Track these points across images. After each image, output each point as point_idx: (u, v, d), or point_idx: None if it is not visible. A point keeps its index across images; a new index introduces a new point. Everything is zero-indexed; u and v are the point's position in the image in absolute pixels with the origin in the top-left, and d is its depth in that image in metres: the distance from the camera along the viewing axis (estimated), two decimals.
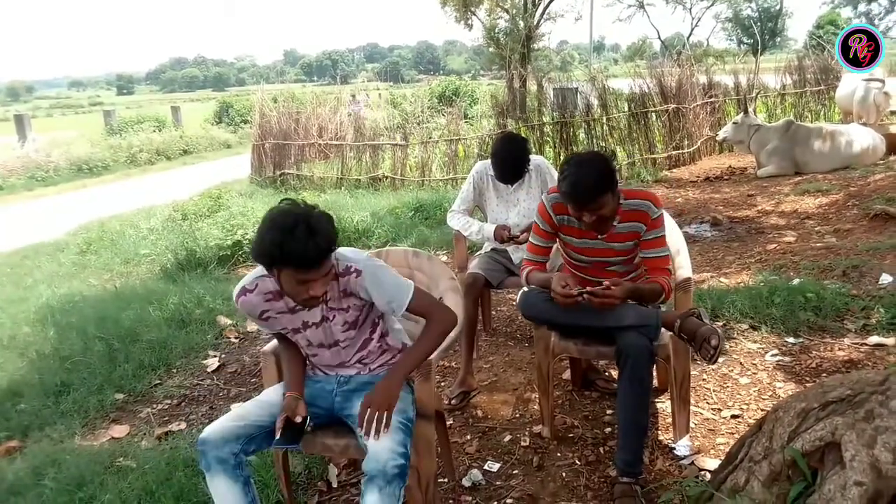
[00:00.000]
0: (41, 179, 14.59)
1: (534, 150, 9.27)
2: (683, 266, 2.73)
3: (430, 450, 2.12)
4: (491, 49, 24.42)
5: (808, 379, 3.03)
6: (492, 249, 3.56)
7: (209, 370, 3.88)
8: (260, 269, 1.99)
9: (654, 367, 2.95)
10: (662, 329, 2.47)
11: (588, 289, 2.34)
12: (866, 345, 3.26)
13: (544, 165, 3.49)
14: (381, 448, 1.87)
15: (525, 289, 2.67)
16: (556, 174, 3.46)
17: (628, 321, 2.36)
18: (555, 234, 2.61)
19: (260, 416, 2.07)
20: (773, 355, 3.28)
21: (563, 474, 2.57)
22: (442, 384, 3.44)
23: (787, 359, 3.24)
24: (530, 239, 2.68)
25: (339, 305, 2.05)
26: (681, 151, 9.72)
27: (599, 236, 2.50)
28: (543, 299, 2.52)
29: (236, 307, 2.10)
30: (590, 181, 2.28)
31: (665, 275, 2.49)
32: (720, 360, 3.25)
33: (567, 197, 2.35)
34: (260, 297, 2.03)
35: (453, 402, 3.15)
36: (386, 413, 1.92)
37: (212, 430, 1.99)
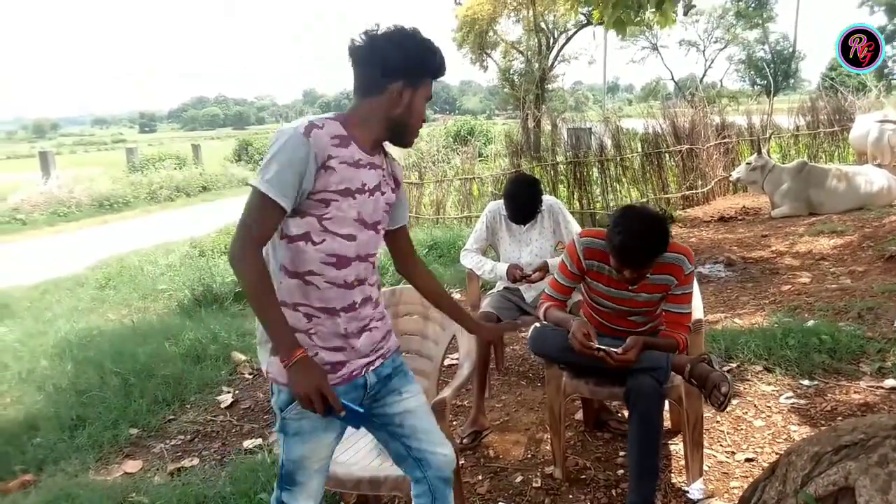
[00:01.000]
0: (63, 215, 14.87)
1: (548, 189, 9.37)
2: (695, 307, 2.74)
3: None
4: (506, 90, 24.82)
5: (822, 422, 2.99)
6: (504, 288, 3.59)
7: (223, 406, 3.91)
8: (323, 115, 1.76)
9: (668, 409, 2.95)
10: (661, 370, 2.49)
11: (607, 349, 2.33)
12: (882, 388, 3.23)
13: (557, 206, 3.54)
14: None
15: (537, 325, 2.69)
16: (568, 215, 3.50)
17: (638, 364, 2.37)
18: (581, 277, 2.60)
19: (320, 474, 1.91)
20: (787, 398, 3.26)
21: None
22: (454, 422, 3.44)
23: (801, 401, 3.21)
24: (554, 276, 2.69)
25: (387, 184, 1.83)
26: (694, 191, 9.75)
27: (630, 288, 2.49)
28: (556, 337, 2.53)
29: (292, 144, 1.64)
30: (649, 247, 2.26)
31: (684, 332, 2.49)
32: (733, 402, 3.24)
33: (617, 253, 2.30)
34: (328, 137, 1.68)
35: (465, 441, 3.14)
36: None
37: None
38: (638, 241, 2.24)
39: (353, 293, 1.78)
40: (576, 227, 3.45)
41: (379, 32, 1.72)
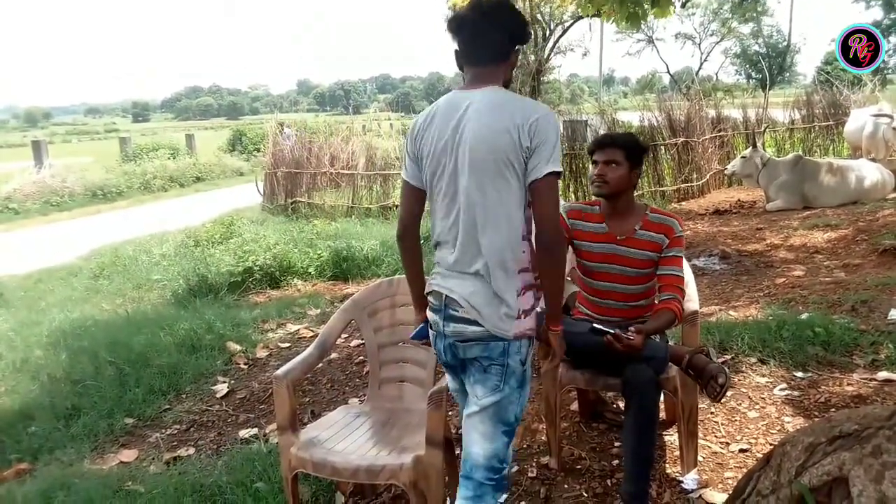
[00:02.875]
0: (56, 204, 14.79)
1: None
2: (691, 299, 2.75)
3: (439, 478, 2.13)
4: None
5: (816, 413, 3.02)
6: None
7: (218, 396, 3.91)
8: (514, 96, 1.92)
9: (662, 399, 2.96)
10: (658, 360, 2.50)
11: (614, 332, 2.32)
12: (875, 380, 3.25)
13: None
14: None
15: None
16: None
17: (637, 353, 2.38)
18: (569, 240, 2.62)
19: None
20: (781, 389, 3.28)
21: None
22: (450, 413, 3.45)
23: (795, 393, 3.23)
24: None
25: None
26: (689, 184, 9.77)
27: (618, 237, 2.54)
28: None
29: (556, 129, 1.87)
30: (612, 133, 2.64)
31: (678, 294, 2.50)
32: (728, 393, 3.26)
33: (591, 145, 2.63)
34: None
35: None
36: None
37: None
38: (610, 133, 2.64)
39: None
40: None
41: (492, 5, 1.88)
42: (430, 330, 2.01)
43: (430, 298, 1.98)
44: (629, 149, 2.53)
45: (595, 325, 2.39)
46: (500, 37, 1.90)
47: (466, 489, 1.91)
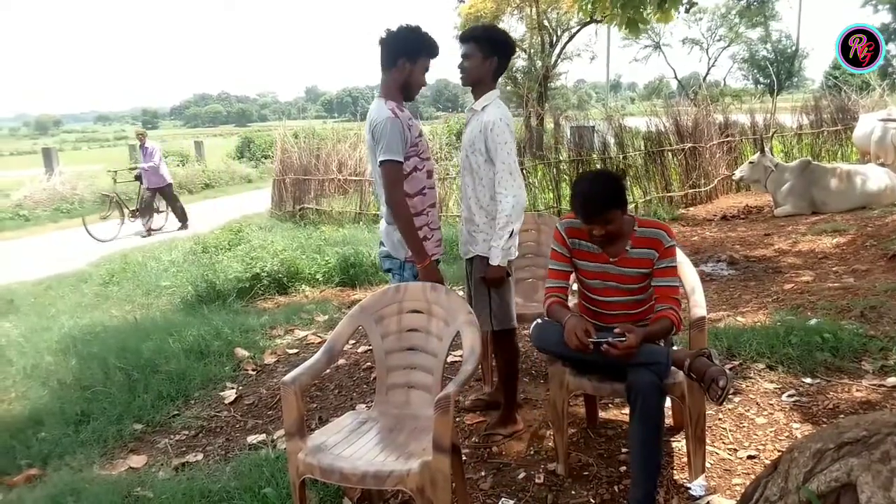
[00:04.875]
0: (66, 211, 14.90)
1: (550, 187, 9.38)
2: (698, 304, 2.75)
3: (446, 484, 2.14)
4: (509, 87, 24.80)
5: (824, 420, 3.00)
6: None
7: (226, 402, 3.92)
8: (379, 100, 2.83)
9: (670, 405, 2.95)
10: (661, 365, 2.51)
11: (609, 340, 2.36)
12: (884, 386, 3.23)
13: (497, 123, 3.02)
14: None
15: (539, 321, 2.69)
16: (501, 139, 2.96)
17: (638, 359, 2.38)
18: (570, 258, 2.68)
19: None
20: (789, 395, 3.26)
21: None
22: (457, 419, 3.45)
23: (803, 399, 3.22)
24: (549, 265, 2.74)
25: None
26: (697, 190, 9.75)
27: (611, 259, 2.57)
28: (557, 332, 2.55)
29: (394, 125, 2.72)
30: (597, 194, 2.44)
31: (674, 304, 2.51)
32: (735, 399, 3.25)
33: (577, 209, 2.49)
34: (398, 109, 2.79)
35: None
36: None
37: None
38: (589, 191, 2.46)
39: (435, 192, 3.02)
40: (502, 159, 2.94)
41: (394, 29, 2.83)
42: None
43: None
44: (614, 198, 2.46)
45: (592, 340, 2.40)
46: (386, 49, 2.81)
47: None
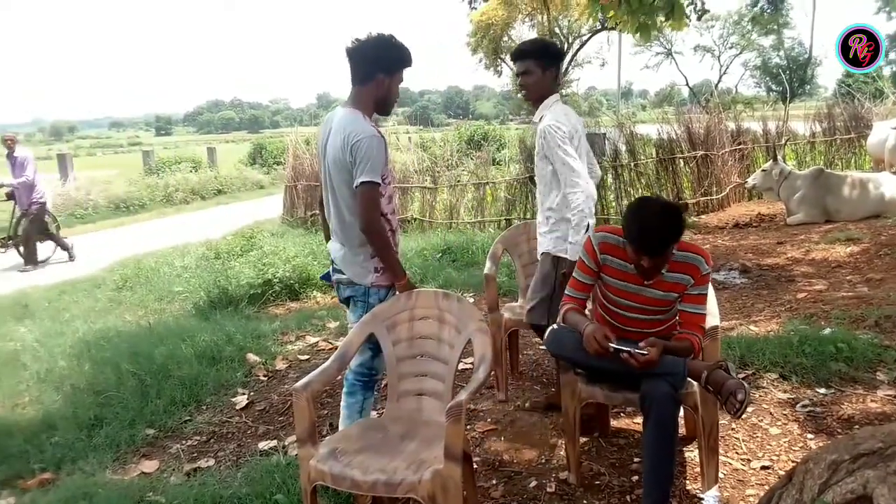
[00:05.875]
0: (80, 217, 15.03)
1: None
2: (712, 313, 2.74)
3: (457, 492, 2.13)
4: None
5: (839, 431, 2.98)
6: None
7: (238, 407, 3.94)
8: (357, 115, 2.60)
9: (682, 415, 2.94)
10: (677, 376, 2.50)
11: (631, 350, 2.33)
12: None
13: (550, 127, 3.07)
14: None
15: (554, 326, 2.68)
16: (556, 141, 3.02)
17: (656, 368, 2.37)
18: (597, 272, 2.62)
19: None
20: (803, 406, 3.24)
21: None
22: (468, 427, 3.45)
23: (818, 409, 3.19)
24: (573, 274, 2.69)
25: None
26: (709, 198, 9.71)
27: (646, 283, 2.50)
28: (573, 338, 2.53)
29: (379, 144, 2.56)
30: (664, 231, 2.29)
31: (698, 332, 2.49)
32: (749, 409, 3.23)
33: (635, 239, 2.33)
34: (376, 126, 2.64)
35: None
36: None
37: None
38: (655, 226, 2.28)
39: (396, 217, 2.80)
40: (560, 159, 3.01)
41: (365, 39, 2.60)
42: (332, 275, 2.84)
43: None
44: (676, 235, 2.34)
45: (612, 345, 2.38)
46: (361, 63, 2.61)
47: (345, 386, 2.84)
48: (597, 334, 2.39)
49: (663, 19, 6.08)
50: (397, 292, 2.74)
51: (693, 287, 2.48)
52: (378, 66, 2.61)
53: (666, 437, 2.34)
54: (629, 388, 2.52)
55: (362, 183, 2.53)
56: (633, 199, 9.49)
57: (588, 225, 2.97)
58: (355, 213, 2.61)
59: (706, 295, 2.54)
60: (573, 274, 2.70)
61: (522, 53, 3.10)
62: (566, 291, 2.71)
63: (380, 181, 2.56)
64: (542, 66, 3.07)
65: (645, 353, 2.32)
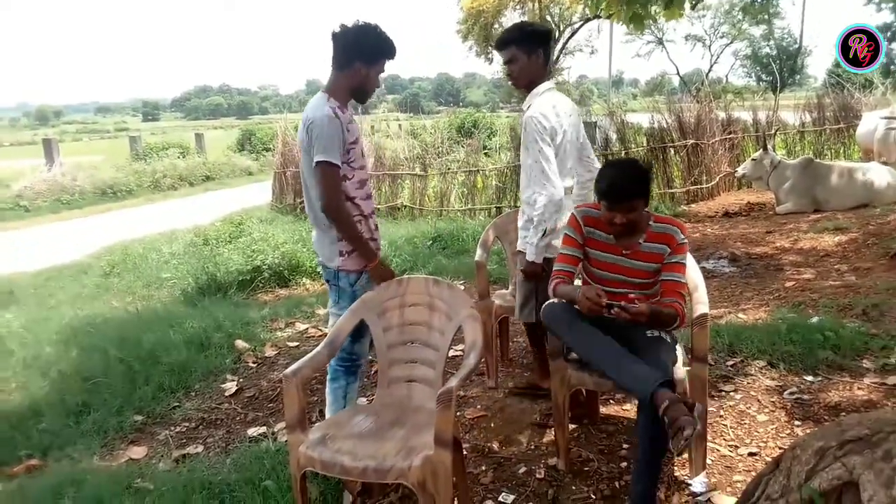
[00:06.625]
0: (66, 202, 14.89)
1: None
2: (701, 302, 2.74)
3: (447, 478, 2.14)
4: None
5: (826, 417, 3.00)
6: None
7: (227, 394, 3.92)
8: (322, 96, 2.66)
9: None
10: (679, 364, 2.52)
11: (621, 303, 2.38)
12: (886, 384, 3.23)
13: (531, 120, 2.99)
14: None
15: (549, 302, 2.67)
16: (533, 136, 2.97)
17: (644, 359, 2.38)
18: (583, 245, 2.67)
19: None
20: (791, 393, 3.26)
21: None
22: (459, 413, 3.45)
23: (805, 397, 3.22)
24: (560, 249, 2.72)
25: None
26: (699, 187, 9.74)
27: (624, 252, 2.57)
28: (566, 310, 2.55)
29: (333, 125, 2.57)
30: (625, 180, 2.43)
31: (679, 298, 2.52)
32: (737, 397, 3.25)
33: (603, 194, 2.46)
34: (339, 110, 2.62)
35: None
36: None
37: None
38: (619, 181, 2.43)
39: (371, 203, 2.82)
40: (533, 155, 2.97)
41: (350, 26, 2.63)
42: None
43: None
44: (641, 187, 2.47)
45: (605, 300, 2.40)
46: (342, 48, 2.65)
47: (328, 372, 2.87)
48: (589, 293, 2.43)
49: (658, 9, 6.05)
50: (376, 278, 2.76)
51: (671, 255, 2.55)
52: (357, 54, 2.64)
53: (658, 422, 2.33)
54: None
55: (317, 163, 2.58)
56: None
57: (545, 230, 2.96)
58: (317, 194, 2.67)
59: (685, 264, 2.59)
60: (560, 249, 2.71)
61: (504, 42, 3.03)
62: (555, 266, 2.70)
63: (336, 162, 2.58)
64: (526, 51, 3.00)
65: (635, 305, 2.36)
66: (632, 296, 2.46)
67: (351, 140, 2.65)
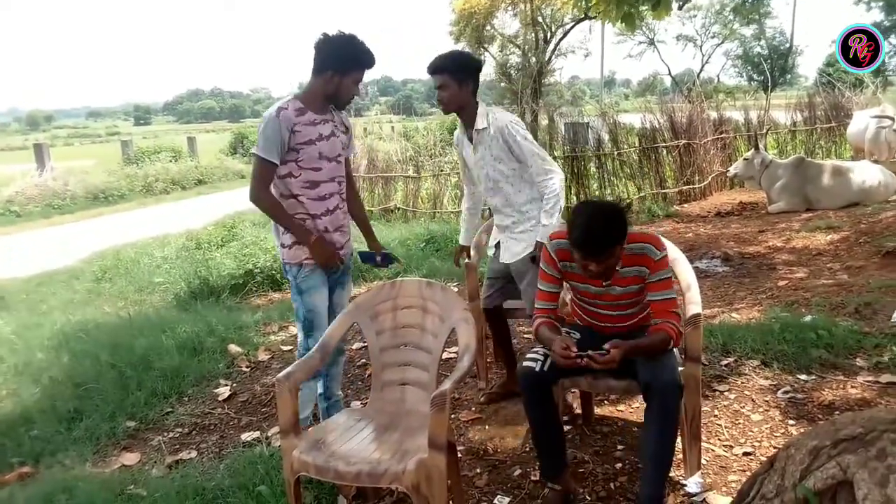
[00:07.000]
0: (58, 207, 14.81)
1: None
2: (694, 302, 2.74)
3: (441, 482, 2.13)
4: (503, 84, 24.77)
5: (820, 416, 3.01)
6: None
7: (220, 399, 3.90)
8: (287, 97, 2.81)
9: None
10: (675, 362, 2.50)
11: (588, 353, 2.30)
12: (879, 383, 3.24)
13: (507, 128, 3.11)
14: None
15: (525, 361, 2.56)
16: (520, 135, 3.11)
17: (650, 364, 2.36)
18: (561, 280, 2.60)
19: None
20: (785, 392, 3.27)
21: None
22: (453, 416, 3.44)
23: (798, 396, 3.22)
24: (538, 286, 2.64)
25: (339, 129, 2.92)
26: (691, 187, 9.76)
27: (604, 284, 2.49)
28: (536, 387, 2.47)
29: (272, 124, 2.70)
30: (600, 232, 2.26)
31: (672, 318, 2.42)
32: (731, 396, 3.25)
33: (576, 245, 2.31)
34: (292, 112, 2.74)
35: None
36: None
37: None
38: (592, 231, 2.26)
39: (325, 205, 2.87)
40: (529, 151, 3.09)
41: (329, 35, 2.76)
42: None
43: None
44: (617, 236, 2.31)
45: (574, 353, 2.33)
46: (318, 56, 2.78)
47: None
48: (557, 347, 2.35)
49: (646, 9, 6.06)
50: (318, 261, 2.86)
51: (652, 275, 2.43)
52: (332, 62, 2.76)
53: (670, 426, 2.32)
54: (612, 376, 2.52)
55: (251, 155, 2.79)
56: (615, 187, 9.55)
57: (561, 207, 3.09)
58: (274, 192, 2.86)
59: (670, 278, 2.48)
60: (538, 285, 2.64)
61: (437, 69, 3.07)
62: (536, 304, 2.64)
63: (266, 157, 2.70)
64: (457, 80, 3.06)
65: (604, 351, 2.28)
66: (606, 346, 2.30)
67: (301, 141, 2.75)
